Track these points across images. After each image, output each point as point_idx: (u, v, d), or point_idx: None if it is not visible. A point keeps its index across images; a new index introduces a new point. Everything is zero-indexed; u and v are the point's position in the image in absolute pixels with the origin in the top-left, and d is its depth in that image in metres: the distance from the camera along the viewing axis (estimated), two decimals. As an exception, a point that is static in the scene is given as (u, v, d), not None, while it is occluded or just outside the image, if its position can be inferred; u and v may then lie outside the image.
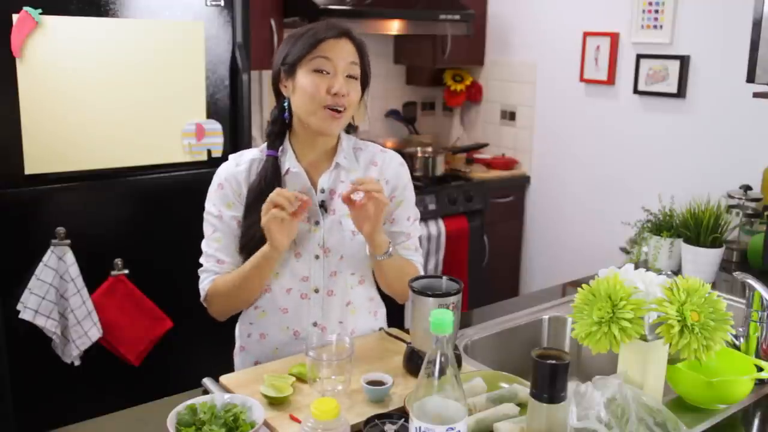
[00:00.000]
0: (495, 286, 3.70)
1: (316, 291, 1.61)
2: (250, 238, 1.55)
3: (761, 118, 2.79)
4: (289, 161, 1.59)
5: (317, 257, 1.59)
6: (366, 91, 1.60)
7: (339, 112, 1.52)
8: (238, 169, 1.60)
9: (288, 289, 1.61)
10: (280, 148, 1.61)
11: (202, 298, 1.63)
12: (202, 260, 1.62)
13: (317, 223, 1.59)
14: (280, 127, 1.62)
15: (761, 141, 2.80)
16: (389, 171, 1.66)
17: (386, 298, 1.76)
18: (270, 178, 1.56)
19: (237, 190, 1.59)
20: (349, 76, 1.53)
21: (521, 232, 3.91)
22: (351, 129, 1.69)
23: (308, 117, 1.54)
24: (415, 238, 1.70)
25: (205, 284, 1.61)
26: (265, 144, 1.63)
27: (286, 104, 1.58)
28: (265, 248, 1.49)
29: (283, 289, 1.61)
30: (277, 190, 1.45)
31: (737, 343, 1.61)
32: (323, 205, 1.60)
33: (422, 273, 1.66)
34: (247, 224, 1.57)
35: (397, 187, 1.66)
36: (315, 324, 1.62)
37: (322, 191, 1.60)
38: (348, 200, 1.46)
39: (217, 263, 1.59)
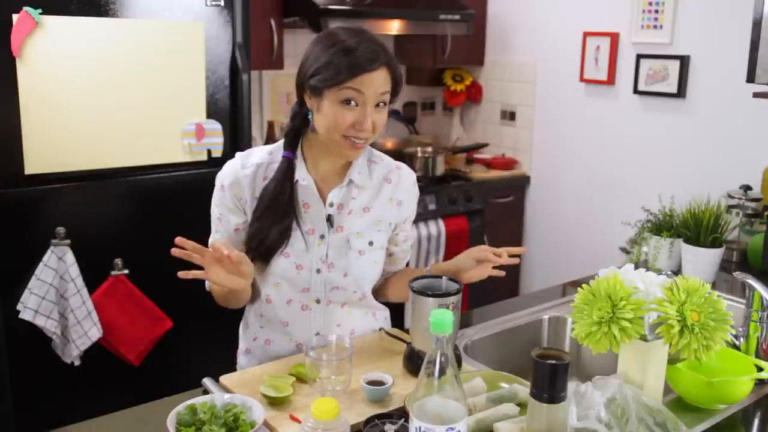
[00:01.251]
0: (495, 286, 3.68)
1: (318, 302, 1.60)
2: (261, 241, 1.53)
3: (761, 118, 2.79)
4: (299, 172, 1.55)
5: (319, 271, 1.57)
6: (394, 100, 1.53)
7: (361, 141, 1.47)
8: (244, 172, 1.55)
9: (288, 300, 1.59)
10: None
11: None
12: None
13: (322, 237, 1.57)
14: (299, 126, 1.56)
15: (761, 141, 2.80)
16: (403, 191, 1.66)
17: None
18: (282, 181, 1.53)
19: (238, 194, 1.55)
20: (379, 104, 1.46)
21: (521, 232, 3.91)
22: None
23: (328, 140, 1.49)
24: (412, 236, 1.77)
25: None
26: (274, 146, 1.60)
27: (310, 116, 1.51)
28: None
29: (283, 300, 1.59)
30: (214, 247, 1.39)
31: (737, 343, 1.61)
32: (329, 220, 1.57)
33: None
34: (257, 227, 1.54)
35: (408, 207, 1.68)
36: (317, 335, 1.61)
37: (331, 205, 1.57)
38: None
39: None
